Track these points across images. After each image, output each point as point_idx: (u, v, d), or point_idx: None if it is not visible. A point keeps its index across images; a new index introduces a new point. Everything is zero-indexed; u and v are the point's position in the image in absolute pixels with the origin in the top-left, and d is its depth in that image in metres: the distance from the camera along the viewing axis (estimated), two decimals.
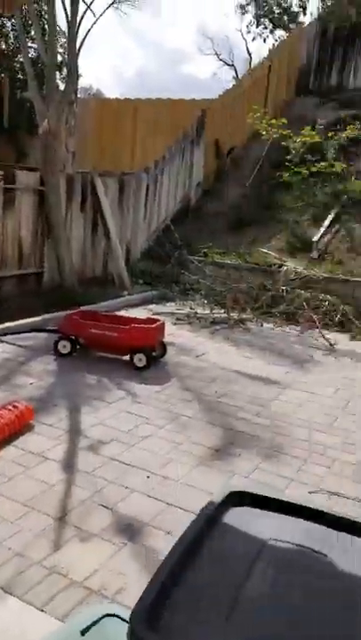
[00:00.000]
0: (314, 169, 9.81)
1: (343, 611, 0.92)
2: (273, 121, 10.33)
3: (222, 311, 7.16)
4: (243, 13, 19.04)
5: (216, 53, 23.03)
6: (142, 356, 4.73)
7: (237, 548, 1.06)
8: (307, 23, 15.09)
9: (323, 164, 9.85)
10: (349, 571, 1.01)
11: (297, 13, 17.49)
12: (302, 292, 7.49)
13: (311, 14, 16.92)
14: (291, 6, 17.45)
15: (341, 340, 6.46)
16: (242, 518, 1.14)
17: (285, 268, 7.99)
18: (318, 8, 15.79)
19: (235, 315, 7.07)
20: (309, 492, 2.84)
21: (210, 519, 1.11)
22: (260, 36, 18.38)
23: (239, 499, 1.19)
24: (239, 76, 17.88)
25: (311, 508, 1.19)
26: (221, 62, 22.32)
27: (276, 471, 3.07)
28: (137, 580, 2.12)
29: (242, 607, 0.91)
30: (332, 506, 2.74)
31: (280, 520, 1.15)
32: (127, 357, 4.82)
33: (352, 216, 9.17)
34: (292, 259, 8.44)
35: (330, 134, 10.51)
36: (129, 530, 2.46)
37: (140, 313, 6.57)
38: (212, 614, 0.90)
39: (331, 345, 6.13)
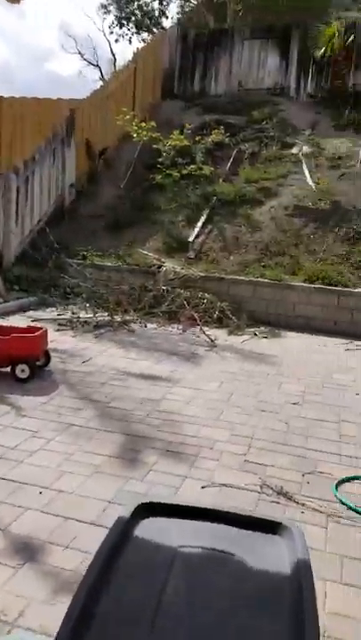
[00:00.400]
0: (185, 171, 10.13)
1: (254, 608, 0.99)
2: (143, 124, 10.47)
3: (105, 314, 7.14)
4: (105, 14, 19.03)
5: (80, 53, 22.75)
6: (25, 367, 4.55)
7: (151, 559, 1.08)
8: (168, 27, 15.48)
9: (192, 166, 10.20)
10: (257, 567, 1.07)
11: (159, 17, 17.88)
12: (182, 291, 7.72)
13: (172, 19, 17.42)
14: (152, 10, 17.79)
15: (221, 335, 6.77)
16: (152, 529, 1.16)
17: (164, 268, 8.17)
18: (178, 13, 16.30)
19: (118, 317, 7.08)
20: (202, 487, 2.95)
21: (122, 534, 1.12)
22: (124, 37, 18.51)
23: (147, 509, 1.22)
24: (105, 77, 17.84)
25: (216, 510, 1.25)
26: (86, 62, 22.09)
27: (170, 470, 3.15)
28: (39, 601, 2.05)
29: (163, 618, 0.94)
30: (223, 497, 2.88)
31: (188, 526, 1.19)
32: (7, 369, 4.60)
33: (222, 217, 9.62)
34: (171, 259, 8.65)
35: (197, 138, 10.91)
36: (26, 549, 2.37)
37: (18, 321, 6.32)
38: (136, 629, 0.92)
39: (212, 341, 6.40)
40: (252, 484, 3.03)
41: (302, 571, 1.04)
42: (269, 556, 1.10)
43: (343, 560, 2.40)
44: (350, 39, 11.95)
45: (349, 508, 2.81)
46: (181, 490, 2.93)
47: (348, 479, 3.13)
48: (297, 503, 2.84)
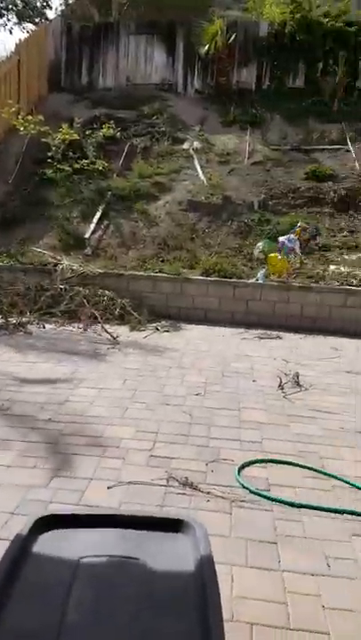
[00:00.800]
0: (77, 166, 9.93)
1: (159, 609, 0.99)
2: (29, 117, 10.09)
3: None
4: None
5: None
6: None
7: (52, 575, 1.04)
8: (52, 19, 15.03)
9: (85, 161, 10.03)
10: (161, 568, 1.08)
11: (42, 8, 17.29)
12: (81, 289, 7.58)
13: (56, 10, 16.92)
14: (34, 1, 17.16)
15: (123, 332, 6.75)
16: (52, 543, 1.12)
17: (61, 266, 7.96)
18: (61, 5, 15.88)
19: (14, 319, 6.79)
20: (108, 488, 2.93)
21: (20, 551, 1.08)
22: (5, 27, 17.69)
23: (47, 523, 1.18)
24: None
25: (118, 515, 1.24)
26: None
27: (75, 474, 3.09)
28: None
29: (67, 635, 0.91)
30: (130, 495, 2.88)
31: (90, 535, 1.17)
32: None
33: (118, 212, 9.57)
34: (68, 256, 8.45)
35: (88, 132, 10.73)
36: None
37: None
38: None
39: (114, 338, 6.36)
40: (159, 478, 3.06)
41: (205, 567, 1.07)
42: (173, 556, 1.11)
43: (247, 543, 2.51)
44: (233, 37, 12.36)
45: (251, 491, 2.94)
46: (87, 493, 2.88)
47: (249, 463, 3.27)
48: (202, 492, 2.92)
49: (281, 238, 8.15)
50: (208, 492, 2.92)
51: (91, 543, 1.14)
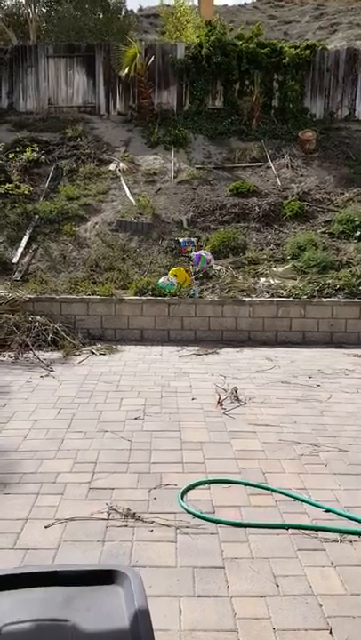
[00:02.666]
0: (1, 190, 9.65)
1: None
2: None
3: None
4: None
5: None
6: None
7: None
8: None
9: (9, 185, 9.76)
10: (93, 628, 0.98)
11: None
12: (10, 315, 7.30)
13: None
14: None
15: (57, 358, 6.54)
16: None
17: None
18: None
19: None
20: (45, 527, 2.77)
21: None
22: None
23: None
24: None
25: (45, 572, 1.12)
26: None
27: (8, 515, 2.90)
28: None
29: None
30: (69, 533, 2.73)
31: (14, 597, 1.05)
32: None
33: (47, 235, 9.36)
34: None
35: (10, 156, 10.49)
36: None
37: None
38: None
39: (47, 366, 6.14)
40: (99, 511, 2.93)
41: (141, 622, 0.98)
42: (106, 613, 1.02)
43: (194, 572, 2.43)
44: (151, 60, 12.55)
45: (195, 515, 2.87)
46: (23, 534, 2.71)
47: (192, 486, 3.20)
48: (145, 522, 2.82)
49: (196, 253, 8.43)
50: (151, 522, 2.82)
51: (14, 607, 1.02)
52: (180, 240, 8.95)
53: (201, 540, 2.68)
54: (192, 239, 8.98)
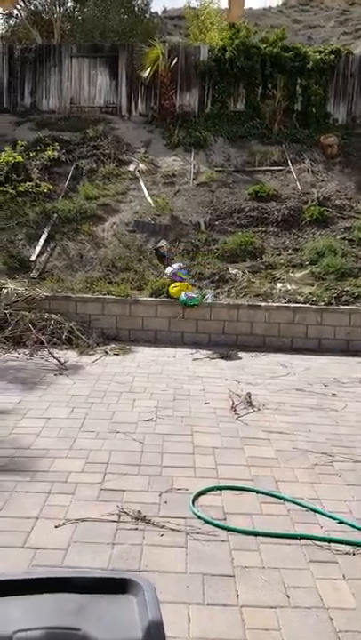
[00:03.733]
0: (21, 188, 9.73)
1: None
2: None
3: None
4: None
5: None
6: None
7: None
8: None
9: (29, 183, 9.83)
10: (105, 638, 0.96)
11: None
12: (27, 313, 7.34)
13: None
14: None
15: (71, 356, 6.56)
16: None
17: (6, 290, 7.69)
18: (2, 28, 15.73)
19: None
20: (56, 527, 2.77)
21: None
22: None
23: None
24: None
25: (55, 578, 1.10)
26: None
27: (19, 513, 2.90)
28: None
29: None
30: (80, 534, 2.72)
31: (25, 603, 1.03)
32: None
33: (65, 234, 9.40)
34: (13, 280, 8.19)
35: (32, 154, 10.56)
36: None
37: None
38: None
39: (61, 364, 6.16)
40: (110, 513, 2.92)
41: (154, 633, 0.96)
42: (119, 622, 0.99)
43: (204, 579, 2.41)
44: (174, 62, 12.56)
45: (206, 521, 2.85)
46: (33, 533, 2.71)
47: (204, 492, 3.18)
48: (156, 526, 2.80)
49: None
50: (162, 526, 2.80)
51: (26, 614, 1.00)
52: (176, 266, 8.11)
53: (211, 547, 2.66)
54: (183, 268, 8.14)
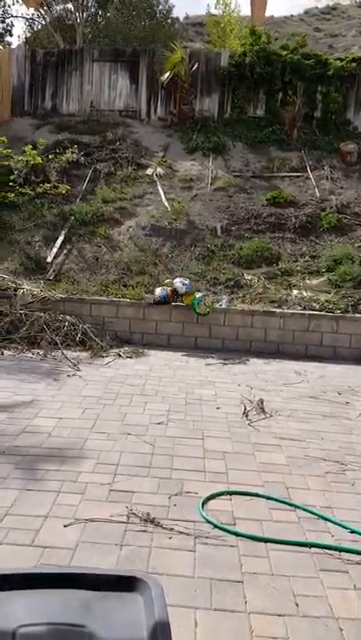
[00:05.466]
0: (40, 190, 9.82)
1: None
2: None
3: None
4: None
5: None
6: None
7: None
8: (15, 45, 15.05)
9: (47, 185, 9.92)
10: (110, 637, 0.94)
11: (2, 34, 17.33)
12: (41, 314, 7.39)
13: (19, 37, 17.00)
14: None
15: (84, 358, 6.58)
16: None
17: (21, 291, 7.75)
18: (25, 32, 15.94)
19: None
20: (65, 526, 2.76)
21: None
22: None
23: None
24: None
25: (65, 573, 1.09)
26: None
27: (29, 511, 2.90)
28: None
29: None
30: (88, 534, 2.71)
31: (32, 598, 1.02)
32: None
33: (81, 236, 9.46)
34: (28, 280, 8.25)
35: (51, 157, 10.66)
36: None
37: None
38: None
39: (74, 365, 6.18)
40: (119, 514, 2.90)
41: (160, 634, 0.94)
42: (124, 621, 0.98)
43: (212, 583, 2.38)
44: (194, 67, 12.61)
45: (215, 526, 2.82)
46: (42, 532, 2.70)
47: (213, 496, 3.15)
48: (164, 529, 2.78)
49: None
50: (171, 529, 2.78)
51: (32, 608, 0.99)
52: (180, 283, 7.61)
53: (220, 552, 2.63)
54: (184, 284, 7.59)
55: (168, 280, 8.01)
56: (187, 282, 7.65)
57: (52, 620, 0.97)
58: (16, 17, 19.23)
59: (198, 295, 7.53)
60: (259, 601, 2.30)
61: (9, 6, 18.12)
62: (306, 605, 2.30)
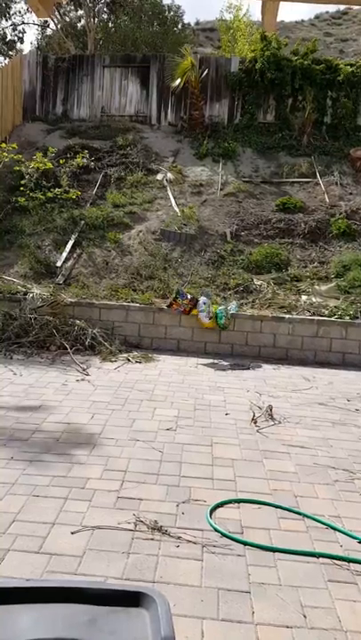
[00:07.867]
0: (50, 194, 9.88)
1: None
2: (3, 144, 10.04)
3: None
4: None
5: None
6: None
7: None
8: (26, 51, 15.18)
9: (58, 190, 9.98)
10: None
11: (14, 42, 17.51)
12: (51, 318, 7.41)
13: (31, 44, 17.16)
14: (5, 35, 17.38)
15: (94, 363, 6.59)
16: None
17: (31, 294, 7.78)
18: (37, 38, 16.09)
19: None
20: (72, 533, 2.76)
21: None
22: None
23: None
24: None
25: (68, 588, 1.09)
26: None
27: (36, 518, 2.90)
28: None
29: None
30: (95, 541, 2.71)
31: (36, 611, 1.02)
32: None
33: (91, 241, 9.50)
34: (38, 285, 8.29)
35: (62, 161, 10.73)
36: None
37: None
38: None
39: (83, 370, 6.19)
40: (126, 521, 2.90)
41: None
42: (131, 637, 0.98)
43: (219, 593, 2.36)
44: (205, 73, 12.64)
45: (223, 534, 2.80)
46: (49, 539, 2.70)
47: (221, 504, 3.13)
48: (172, 537, 2.77)
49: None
50: (178, 537, 2.77)
51: (36, 623, 0.99)
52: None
53: (228, 561, 2.61)
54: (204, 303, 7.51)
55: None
56: (208, 301, 7.49)
57: (58, 634, 0.97)
58: (27, 24, 19.41)
59: (220, 308, 7.45)
60: (266, 612, 2.28)
61: (21, 14, 18.33)
62: (314, 617, 2.27)
